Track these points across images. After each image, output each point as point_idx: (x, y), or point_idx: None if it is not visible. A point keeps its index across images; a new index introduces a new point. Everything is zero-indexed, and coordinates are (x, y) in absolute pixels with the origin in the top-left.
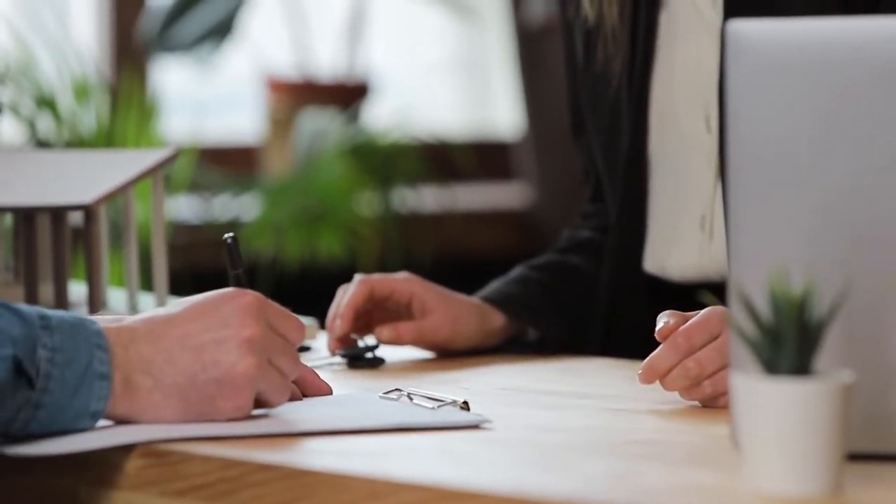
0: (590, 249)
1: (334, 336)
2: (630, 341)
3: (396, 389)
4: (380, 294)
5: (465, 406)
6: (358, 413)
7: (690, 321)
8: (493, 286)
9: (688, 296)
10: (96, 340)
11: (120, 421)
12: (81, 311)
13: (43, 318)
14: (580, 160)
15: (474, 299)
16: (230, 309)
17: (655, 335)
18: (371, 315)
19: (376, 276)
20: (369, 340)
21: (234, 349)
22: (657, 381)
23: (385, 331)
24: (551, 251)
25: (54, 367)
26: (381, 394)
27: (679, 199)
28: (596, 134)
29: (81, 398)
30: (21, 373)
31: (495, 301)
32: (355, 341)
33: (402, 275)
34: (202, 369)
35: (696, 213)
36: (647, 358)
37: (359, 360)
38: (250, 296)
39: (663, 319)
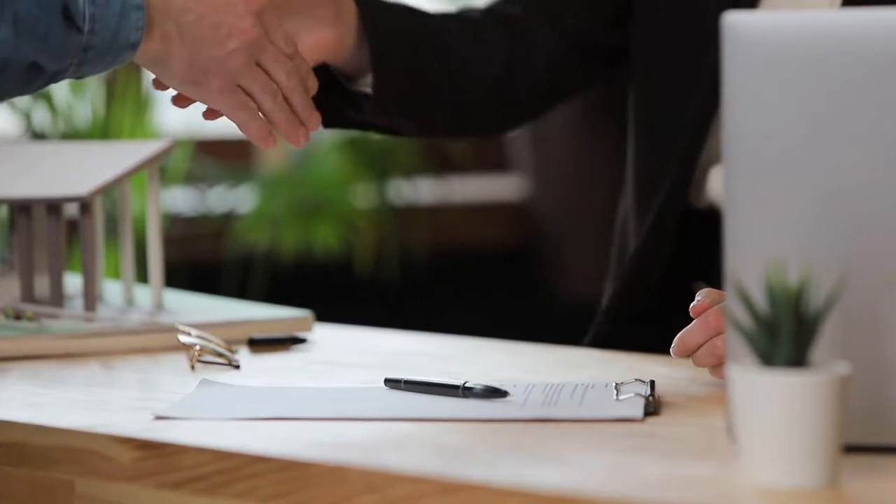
0: (485, 34)
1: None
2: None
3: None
4: None
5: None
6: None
7: (725, 301)
8: None
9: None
10: None
11: (149, 62)
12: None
13: None
14: None
15: None
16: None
17: (690, 311)
18: None
19: None
20: None
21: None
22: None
23: None
24: (459, 13)
25: (97, 8)
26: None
27: None
28: (659, 60)
29: (122, 33)
30: (69, 21)
31: None
32: None
33: None
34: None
35: None
36: (680, 332)
37: None
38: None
39: (699, 296)
